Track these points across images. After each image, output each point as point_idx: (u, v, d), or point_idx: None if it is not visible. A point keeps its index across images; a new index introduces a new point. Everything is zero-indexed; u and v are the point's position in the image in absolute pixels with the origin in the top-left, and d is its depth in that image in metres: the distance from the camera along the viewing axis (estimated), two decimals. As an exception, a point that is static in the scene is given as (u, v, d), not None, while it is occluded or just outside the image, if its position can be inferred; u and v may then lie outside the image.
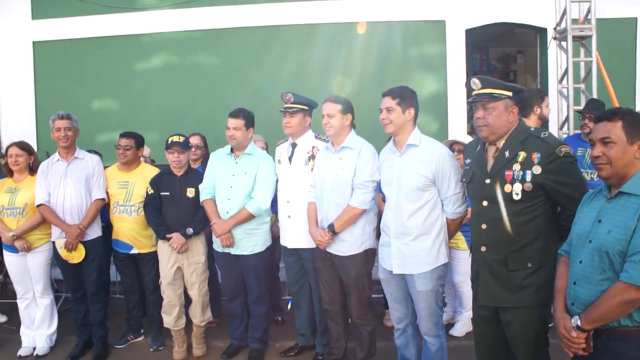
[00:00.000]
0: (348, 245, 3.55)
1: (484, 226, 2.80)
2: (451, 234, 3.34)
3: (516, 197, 2.66)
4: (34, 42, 7.15)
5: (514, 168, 2.68)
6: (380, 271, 3.44)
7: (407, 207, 3.19)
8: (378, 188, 3.56)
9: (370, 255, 3.63)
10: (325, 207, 3.59)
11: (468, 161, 3.00)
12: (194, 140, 4.71)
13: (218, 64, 6.69)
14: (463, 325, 4.55)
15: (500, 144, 2.78)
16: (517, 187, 2.66)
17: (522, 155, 2.68)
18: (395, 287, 3.37)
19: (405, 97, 3.22)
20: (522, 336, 2.71)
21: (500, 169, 2.72)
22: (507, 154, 2.72)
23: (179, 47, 6.76)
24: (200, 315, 4.25)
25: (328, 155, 3.65)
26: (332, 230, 3.50)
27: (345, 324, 3.83)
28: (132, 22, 6.82)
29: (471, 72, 7.68)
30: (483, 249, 2.81)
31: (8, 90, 7.28)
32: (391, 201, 3.29)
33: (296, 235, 3.92)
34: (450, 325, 4.57)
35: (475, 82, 2.80)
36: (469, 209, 3.17)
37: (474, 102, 2.82)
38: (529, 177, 2.63)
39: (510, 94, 2.76)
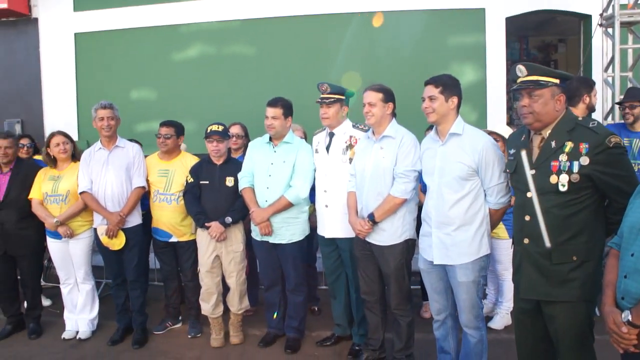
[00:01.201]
0: (388, 234, 3.51)
1: (527, 218, 2.73)
2: (494, 225, 3.27)
3: (562, 189, 2.58)
4: (75, 34, 7.29)
5: (560, 159, 2.59)
6: (421, 262, 3.40)
7: (449, 197, 3.14)
8: (419, 178, 3.52)
9: (410, 246, 3.58)
10: (365, 196, 3.56)
11: (512, 151, 2.92)
12: (235, 130, 4.72)
13: (255, 54, 6.69)
14: (502, 318, 4.49)
15: (546, 133, 2.69)
16: (564, 179, 2.57)
17: (569, 145, 2.59)
18: (436, 278, 3.33)
19: (448, 85, 3.16)
20: (566, 331, 2.64)
21: (546, 160, 2.64)
22: (553, 144, 2.64)
23: (216, 37, 6.78)
24: (237, 303, 4.28)
25: (369, 145, 3.61)
26: (372, 220, 3.47)
27: (383, 314, 3.81)
28: (169, 12, 6.88)
29: (510, 61, 7.50)
30: (526, 240, 2.74)
31: (51, 81, 7.45)
32: (433, 191, 3.23)
33: (334, 225, 3.90)
34: (488, 317, 4.50)
35: (521, 69, 2.72)
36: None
37: (518, 90, 2.74)
38: (576, 168, 2.55)
39: (557, 81, 2.67)
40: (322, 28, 6.46)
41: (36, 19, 7.50)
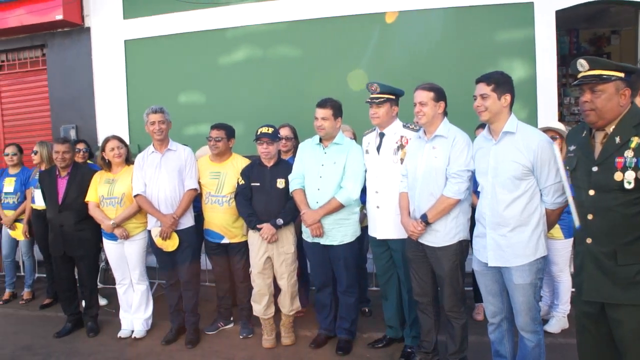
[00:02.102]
0: (441, 235, 3.46)
1: (590, 217, 2.63)
2: (550, 225, 3.18)
3: (628, 186, 2.47)
4: (125, 41, 7.47)
5: (625, 155, 2.49)
6: (475, 263, 3.33)
7: (503, 197, 3.07)
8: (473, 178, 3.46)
9: (464, 247, 3.53)
10: (417, 197, 3.52)
11: (572, 148, 2.82)
12: (284, 132, 4.74)
13: (302, 55, 6.69)
14: (559, 321, 4.37)
15: (610, 129, 2.59)
16: (630, 175, 2.47)
17: (635, 140, 2.48)
18: (491, 279, 3.26)
19: (501, 82, 3.09)
20: (634, 337, 2.52)
21: (610, 156, 2.54)
22: (618, 139, 2.53)
23: (263, 40, 6.81)
24: (289, 304, 4.30)
25: (420, 145, 3.57)
26: (425, 221, 3.43)
27: (436, 316, 3.75)
28: (216, 17, 6.95)
29: (559, 55, 7.27)
30: (589, 240, 2.65)
31: (103, 87, 7.66)
32: (487, 191, 3.17)
33: (385, 226, 3.88)
34: (544, 320, 4.37)
35: (582, 64, 2.62)
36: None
37: (580, 85, 2.65)
38: (643, 165, 2.44)
39: (622, 74, 2.55)
40: (367, 27, 6.40)
41: (88, 28, 7.72)
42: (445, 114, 3.54)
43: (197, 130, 6.82)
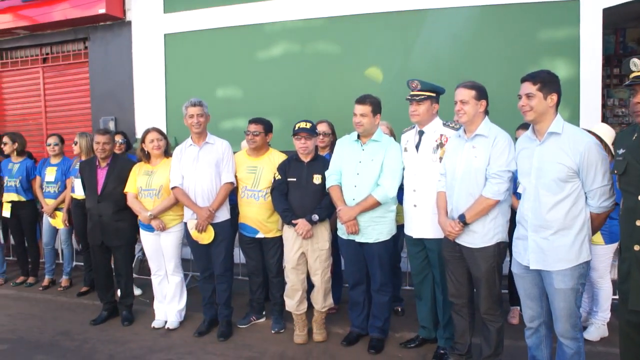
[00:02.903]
0: (479, 236, 3.39)
1: (638, 223, 2.55)
2: (595, 230, 3.09)
3: (681, 191, 2.39)
4: (165, 35, 7.56)
5: (679, 158, 2.40)
6: (514, 266, 3.27)
7: (547, 200, 2.99)
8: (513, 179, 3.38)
9: (502, 249, 3.45)
10: (456, 197, 3.46)
11: (621, 151, 2.74)
12: (322, 128, 4.71)
13: (339, 51, 6.64)
14: (598, 329, 4.26)
15: (663, 131, 2.50)
16: (683, 180, 2.38)
17: (689, 143, 2.39)
18: (530, 283, 3.19)
19: (547, 81, 3.01)
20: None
21: (663, 160, 2.45)
22: None
23: (300, 35, 6.79)
24: (322, 301, 4.29)
25: (460, 144, 3.51)
26: (463, 221, 3.37)
27: (471, 318, 3.69)
28: (255, 12, 6.97)
29: (604, 55, 7.06)
30: (637, 247, 2.57)
31: (142, 80, 7.77)
32: (529, 192, 3.10)
33: (422, 225, 3.83)
34: (583, 327, 4.27)
35: (636, 63, 2.53)
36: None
37: (632, 86, 2.56)
38: (701, 169, 2.35)
39: (678, 75, 2.47)
40: (406, 24, 6.31)
41: (130, 22, 7.84)
42: (486, 112, 3.47)
43: (234, 124, 6.87)
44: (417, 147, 3.85)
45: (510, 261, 3.61)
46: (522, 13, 6.08)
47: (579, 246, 2.99)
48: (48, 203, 5.92)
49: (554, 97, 3.00)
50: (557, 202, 2.97)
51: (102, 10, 7.53)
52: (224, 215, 4.48)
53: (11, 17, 8.21)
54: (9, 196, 6.07)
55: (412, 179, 3.86)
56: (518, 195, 3.91)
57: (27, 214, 6.17)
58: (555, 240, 2.99)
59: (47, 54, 8.77)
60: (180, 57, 7.53)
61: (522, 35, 6.08)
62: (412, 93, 3.80)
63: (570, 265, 2.98)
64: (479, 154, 3.37)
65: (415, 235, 3.89)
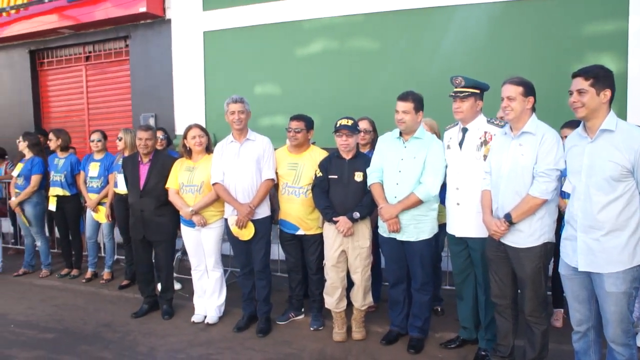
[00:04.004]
0: (525, 236, 3.31)
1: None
2: (651, 231, 2.97)
3: None
4: (204, 32, 7.65)
5: None
6: (562, 267, 3.17)
7: (598, 199, 2.89)
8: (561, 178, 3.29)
9: (548, 249, 3.36)
10: (501, 195, 3.38)
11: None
12: (363, 125, 4.66)
13: (379, 48, 6.59)
14: (650, 335, 4.09)
15: None
16: None
17: None
18: (579, 285, 3.09)
19: (600, 77, 2.90)
20: None
21: None
22: None
23: (339, 32, 6.77)
24: (361, 299, 4.26)
25: (506, 141, 3.42)
26: (509, 221, 3.29)
27: (514, 319, 3.61)
28: (293, 9, 6.98)
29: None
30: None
31: (182, 77, 7.88)
32: (579, 192, 2.99)
33: (465, 224, 3.77)
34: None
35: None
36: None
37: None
38: None
39: None
40: (446, 20, 6.22)
41: (169, 20, 7.97)
42: (533, 109, 3.38)
43: (272, 121, 6.90)
44: (460, 144, 3.78)
45: (555, 262, 3.53)
46: (566, 7, 5.92)
47: (633, 248, 2.88)
48: (91, 198, 6.04)
49: (608, 93, 2.90)
50: (609, 201, 2.87)
51: (143, 9, 7.67)
52: (264, 211, 4.49)
53: (57, 18, 8.46)
54: (55, 190, 6.23)
55: (455, 177, 3.80)
56: (563, 194, 3.84)
57: (72, 208, 6.32)
58: (607, 241, 2.89)
59: (90, 52, 9.00)
60: (219, 55, 7.60)
61: (565, 29, 5.91)
62: (455, 90, 3.73)
63: (623, 267, 2.88)
64: (525, 152, 3.29)
65: (458, 234, 3.83)
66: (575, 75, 2.98)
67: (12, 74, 9.60)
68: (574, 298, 3.16)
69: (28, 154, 6.40)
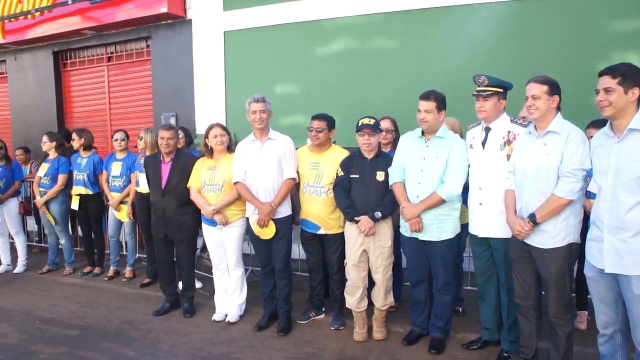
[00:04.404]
0: (550, 237, 3.27)
1: None
2: (679, 232, 2.91)
3: None
4: (224, 32, 7.68)
5: None
6: (587, 268, 3.12)
7: (625, 199, 2.84)
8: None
9: (574, 250, 3.32)
10: (525, 195, 3.35)
11: None
12: (385, 124, 4.64)
13: (399, 47, 6.56)
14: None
15: None
16: None
17: None
18: (605, 287, 3.04)
19: (628, 75, 2.85)
20: None
21: None
22: None
23: (359, 31, 6.75)
24: (382, 299, 4.25)
25: (530, 141, 3.38)
26: (534, 221, 3.26)
27: (538, 321, 3.57)
28: (313, 8, 6.98)
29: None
30: None
31: (202, 77, 7.93)
32: (606, 192, 2.95)
33: (487, 224, 3.73)
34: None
35: None
36: None
37: None
38: None
39: None
40: (467, 18, 6.15)
41: (190, 20, 8.03)
42: (558, 108, 3.34)
43: (293, 121, 6.90)
44: (483, 144, 3.75)
45: (579, 263, 3.48)
46: (591, 4, 5.81)
47: (662, 250, 2.83)
48: (113, 196, 6.11)
49: (636, 91, 2.84)
50: (637, 202, 2.82)
51: (164, 10, 7.74)
52: (285, 210, 4.50)
53: (79, 19, 8.58)
54: (78, 189, 6.31)
55: (478, 177, 3.77)
56: (588, 195, 3.79)
57: (94, 206, 6.40)
58: (635, 242, 2.83)
59: (112, 53, 9.11)
60: (240, 54, 7.63)
61: (590, 27, 5.81)
62: (478, 88, 3.70)
63: (652, 269, 2.83)
64: (550, 152, 3.25)
65: (481, 234, 3.80)
66: (602, 74, 2.94)
67: (36, 75, 9.76)
68: (600, 300, 3.11)
69: (53, 154, 6.48)
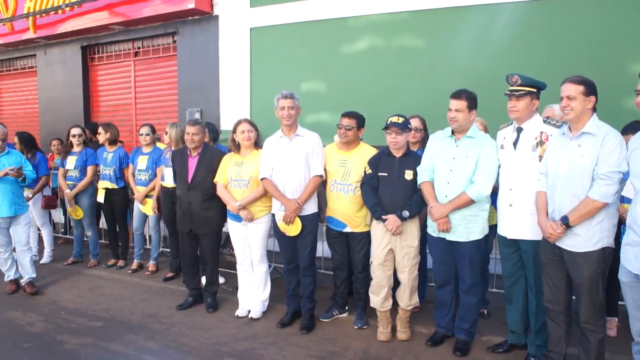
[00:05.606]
0: (582, 240, 3.21)
1: None
2: None
3: None
4: (251, 29, 7.68)
5: None
6: (622, 274, 3.05)
7: (663, 203, 2.78)
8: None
9: (607, 255, 3.24)
10: (558, 197, 3.28)
11: None
12: (414, 123, 4.57)
13: (425, 45, 6.47)
14: None
15: None
16: None
17: None
18: (640, 293, 2.97)
19: (668, 76, 2.79)
20: None
21: None
22: None
23: (385, 29, 6.67)
24: (407, 299, 4.21)
25: (564, 142, 3.32)
26: (566, 223, 3.19)
27: (568, 326, 3.51)
28: (339, 5, 6.92)
29: None
30: None
31: (228, 73, 7.93)
32: (643, 196, 2.88)
33: (518, 225, 3.67)
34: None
35: None
36: None
37: None
38: None
39: None
40: (497, 17, 6.02)
41: (217, 16, 8.02)
42: (594, 109, 3.27)
43: (318, 118, 6.87)
44: (514, 144, 3.69)
45: (612, 268, 3.40)
46: (628, 3, 5.64)
47: (699, 256, 2.75)
48: (139, 190, 6.15)
49: (678, 93, 2.78)
50: (675, 206, 2.75)
51: (191, 5, 7.76)
52: (311, 208, 4.47)
53: (107, 14, 8.64)
54: (104, 184, 6.37)
55: (509, 178, 3.71)
56: (622, 199, 3.70)
57: (119, 200, 6.45)
58: (672, 248, 2.77)
59: (139, 48, 9.17)
60: (266, 51, 7.61)
61: (625, 26, 5.64)
62: (511, 88, 3.64)
63: (689, 276, 2.76)
64: (585, 153, 3.18)
65: (510, 236, 3.74)
66: (642, 75, 2.87)
67: (64, 69, 9.88)
68: (636, 307, 3.04)
69: (77, 147, 6.53)
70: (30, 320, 4.88)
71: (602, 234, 3.20)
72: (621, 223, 3.42)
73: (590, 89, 3.22)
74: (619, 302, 4.11)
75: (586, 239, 3.21)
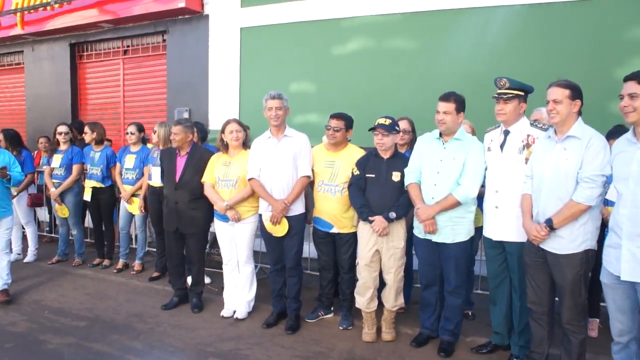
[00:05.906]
0: (566, 242, 3.24)
1: None
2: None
3: None
4: (241, 28, 7.68)
5: None
6: (604, 275, 3.09)
7: (646, 207, 2.81)
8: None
9: (590, 257, 3.28)
10: (543, 200, 3.32)
11: None
12: (402, 125, 4.59)
13: (416, 48, 6.51)
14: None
15: None
16: None
17: None
18: (622, 295, 3.00)
19: (654, 81, 2.82)
20: None
21: None
22: None
23: (376, 31, 6.70)
24: (393, 300, 4.23)
25: (550, 145, 3.35)
26: (550, 226, 3.23)
27: (550, 327, 3.54)
28: (331, 7, 6.95)
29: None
30: None
31: (217, 73, 7.92)
32: (626, 199, 2.92)
33: (503, 227, 3.71)
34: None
35: None
36: None
37: None
38: None
39: None
40: (486, 21, 6.08)
41: (207, 16, 8.02)
42: (579, 113, 3.31)
43: (307, 119, 6.88)
44: (501, 147, 3.72)
45: (594, 270, 3.44)
46: (613, 9, 5.70)
47: (682, 258, 2.79)
48: (126, 189, 6.11)
49: (661, 98, 2.82)
50: (658, 210, 2.79)
51: (181, 4, 7.75)
52: (298, 208, 4.47)
53: (97, 12, 8.60)
54: (90, 183, 6.33)
55: (495, 180, 3.74)
56: (606, 202, 3.74)
57: (106, 199, 6.40)
58: (654, 250, 2.80)
59: (128, 46, 9.14)
60: (256, 51, 7.62)
61: (611, 33, 5.70)
62: (499, 91, 3.67)
63: (670, 278, 2.79)
64: (570, 157, 3.22)
65: (496, 238, 3.77)
66: (627, 79, 2.91)
67: (52, 66, 9.81)
68: (616, 308, 3.07)
69: (64, 145, 6.47)
70: (12, 320, 4.83)
71: (585, 236, 3.24)
72: (604, 225, 3.46)
73: (576, 92, 3.26)
74: (601, 304, 4.17)
75: (569, 241, 3.24)
